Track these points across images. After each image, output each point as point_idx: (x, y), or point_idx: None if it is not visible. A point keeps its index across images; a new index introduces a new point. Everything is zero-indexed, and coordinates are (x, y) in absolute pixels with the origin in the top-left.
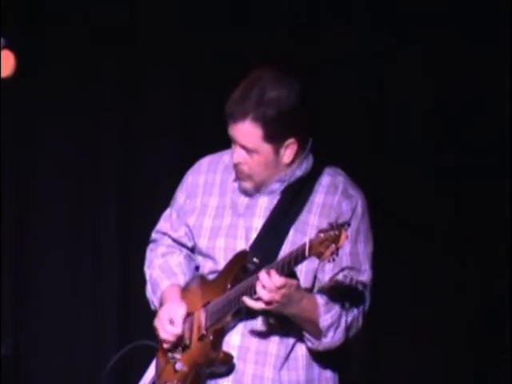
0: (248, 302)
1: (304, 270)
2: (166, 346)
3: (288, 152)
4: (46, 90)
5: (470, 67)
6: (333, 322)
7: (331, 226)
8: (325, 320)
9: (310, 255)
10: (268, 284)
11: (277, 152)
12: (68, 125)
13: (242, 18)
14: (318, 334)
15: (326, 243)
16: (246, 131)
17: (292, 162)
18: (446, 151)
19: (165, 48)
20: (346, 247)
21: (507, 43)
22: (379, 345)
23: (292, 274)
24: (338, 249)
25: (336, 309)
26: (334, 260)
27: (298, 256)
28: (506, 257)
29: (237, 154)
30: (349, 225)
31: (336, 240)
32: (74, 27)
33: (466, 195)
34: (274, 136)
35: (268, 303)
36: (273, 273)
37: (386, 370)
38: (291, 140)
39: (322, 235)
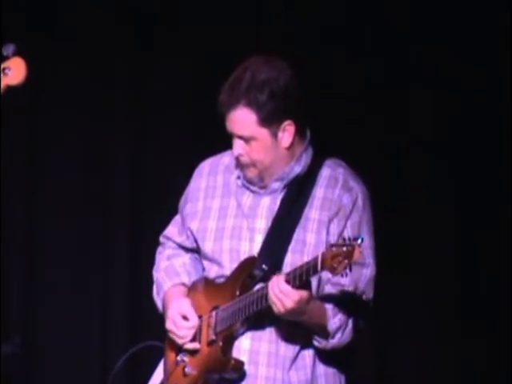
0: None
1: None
2: (183, 341)
3: (286, 135)
4: (55, 88)
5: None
6: (341, 325)
7: (344, 241)
8: (333, 323)
9: (322, 269)
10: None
11: (275, 136)
12: (78, 124)
13: None
14: (326, 335)
15: (339, 258)
16: (240, 118)
17: (291, 145)
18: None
19: (176, 46)
20: None
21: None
22: (385, 341)
23: (305, 283)
24: (350, 264)
25: (344, 311)
26: (346, 275)
27: (310, 269)
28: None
29: (236, 147)
30: (362, 240)
31: (349, 256)
32: (80, 26)
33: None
34: (269, 119)
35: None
36: (281, 279)
37: (391, 366)
38: (287, 122)
39: (334, 249)
